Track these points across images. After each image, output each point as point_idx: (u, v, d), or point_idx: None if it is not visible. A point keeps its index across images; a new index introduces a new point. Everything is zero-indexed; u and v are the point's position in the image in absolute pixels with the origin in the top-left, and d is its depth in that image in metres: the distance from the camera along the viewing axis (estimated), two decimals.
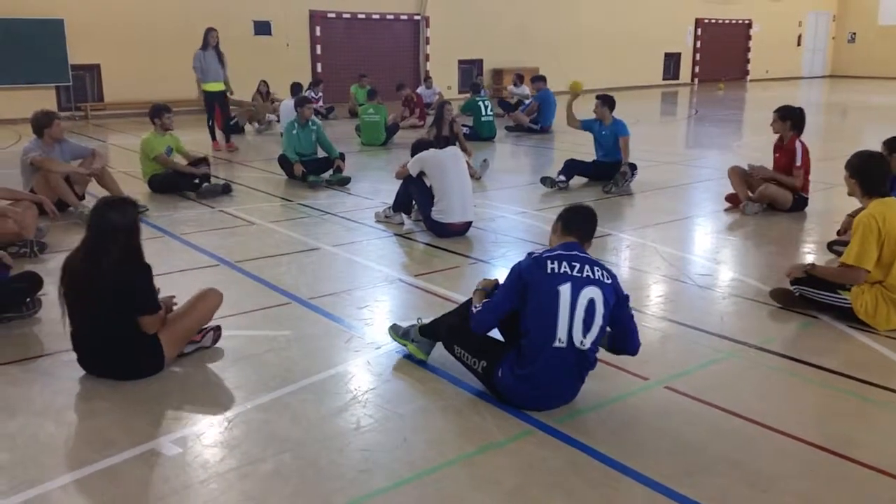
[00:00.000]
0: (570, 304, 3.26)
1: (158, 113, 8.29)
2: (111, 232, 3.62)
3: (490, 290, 3.66)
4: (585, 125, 8.98)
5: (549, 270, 3.30)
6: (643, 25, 25.52)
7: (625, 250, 6.22)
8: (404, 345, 3.98)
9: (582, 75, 23.25)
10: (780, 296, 4.77)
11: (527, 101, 14.96)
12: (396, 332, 4.05)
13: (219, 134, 12.05)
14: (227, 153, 11.50)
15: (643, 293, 5.12)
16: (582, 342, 3.29)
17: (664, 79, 27.54)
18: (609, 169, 8.57)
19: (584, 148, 8.99)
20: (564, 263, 3.32)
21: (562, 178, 8.60)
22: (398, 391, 3.63)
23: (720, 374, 3.86)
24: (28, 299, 4.54)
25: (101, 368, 3.75)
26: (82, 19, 16.38)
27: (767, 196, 7.21)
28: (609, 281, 3.36)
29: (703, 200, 8.18)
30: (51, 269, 5.48)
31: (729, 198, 7.57)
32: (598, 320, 3.30)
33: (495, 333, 3.68)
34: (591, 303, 3.28)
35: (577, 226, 3.54)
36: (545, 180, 8.65)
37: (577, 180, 8.85)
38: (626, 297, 3.47)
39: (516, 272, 3.42)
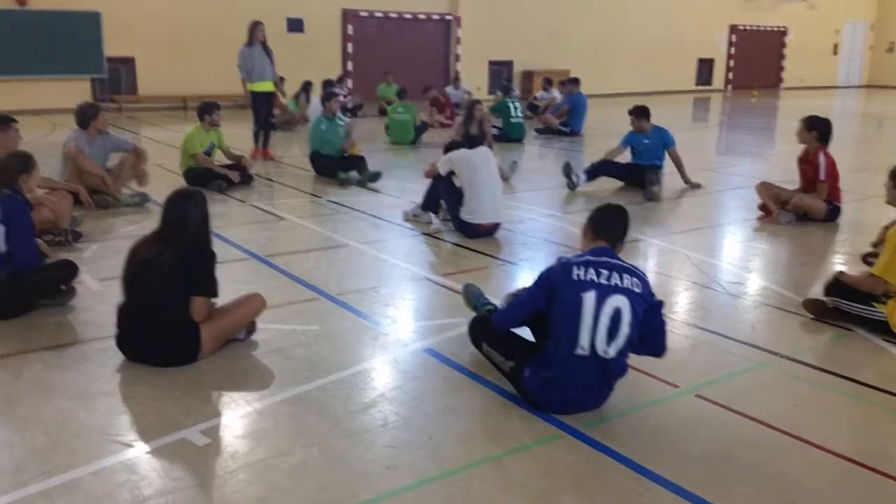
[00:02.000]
0: (594, 313, 3.21)
1: (209, 110, 8.36)
2: (185, 221, 3.78)
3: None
4: (625, 142, 8.86)
5: (574, 277, 3.26)
6: (677, 30, 25.32)
7: (655, 256, 6.17)
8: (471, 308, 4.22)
9: (614, 79, 23.31)
10: (812, 306, 4.70)
11: (557, 104, 14.90)
12: (471, 296, 4.28)
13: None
14: (265, 161, 10.43)
15: (673, 300, 5.07)
16: (605, 351, 3.25)
17: (697, 84, 27.29)
18: (645, 173, 8.48)
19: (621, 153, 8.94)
20: (591, 270, 3.26)
21: (581, 176, 8.54)
22: (425, 389, 3.63)
23: (751, 384, 3.81)
24: (63, 287, 4.61)
25: (139, 351, 3.81)
26: (119, 13, 16.62)
27: (801, 206, 7.11)
28: (639, 289, 3.30)
29: (735, 208, 8.08)
30: (85, 257, 5.57)
31: (761, 206, 7.48)
32: (624, 329, 3.25)
33: (526, 333, 3.67)
34: (617, 312, 3.23)
35: (607, 229, 3.49)
36: (565, 167, 8.60)
37: (612, 184, 8.79)
38: (660, 304, 3.42)
39: (545, 275, 3.41)
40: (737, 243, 6.72)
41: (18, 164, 4.56)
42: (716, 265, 5.91)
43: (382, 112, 16.04)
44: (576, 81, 14.27)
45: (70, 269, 4.66)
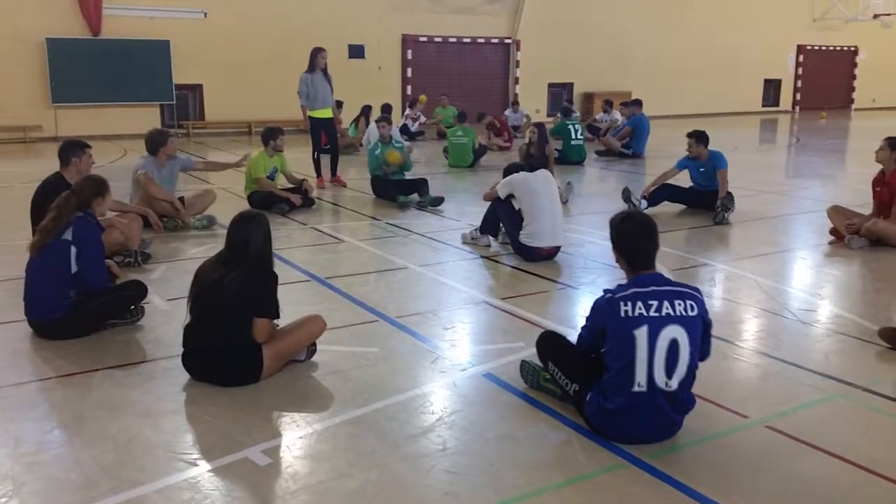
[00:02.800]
0: (649, 349, 3.10)
1: (273, 135, 8.58)
2: (248, 243, 3.86)
3: None
4: (680, 165, 8.66)
5: (622, 314, 3.12)
6: (742, 51, 24.91)
7: (722, 282, 6.01)
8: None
9: (677, 100, 23.01)
10: (889, 335, 4.49)
11: (619, 126, 14.76)
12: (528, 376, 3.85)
13: (323, 166, 10.50)
14: (332, 187, 10.33)
15: (741, 327, 4.92)
16: (667, 384, 3.15)
17: (763, 105, 26.73)
18: (708, 197, 8.29)
19: (680, 175, 8.77)
20: (640, 304, 3.11)
21: (642, 201, 8.41)
22: (484, 415, 3.59)
23: (824, 416, 3.65)
24: (132, 307, 4.74)
25: (203, 371, 3.89)
26: (187, 41, 17.25)
27: (875, 231, 6.84)
28: (694, 312, 3.16)
29: (805, 232, 7.83)
30: (153, 278, 5.73)
31: (833, 231, 7.22)
32: (685, 358, 3.14)
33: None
34: (674, 344, 3.11)
35: (640, 254, 3.27)
36: (625, 192, 8.49)
37: (673, 207, 8.63)
38: (710, 324, 3.31)
39: (594, 309, 3.33)
40: (808, 269, 6.49)
41: (93, 187, 4.73)
42: (786, 291, 5.71)
43: (441, 135, 16.18)
44: (638, 103, 14.13)
45: (139, 290, 4.79)
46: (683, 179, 8.82)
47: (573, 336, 3.71)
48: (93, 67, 16.43)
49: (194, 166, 8.00)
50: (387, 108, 14.24)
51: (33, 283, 4.49)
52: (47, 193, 5.39)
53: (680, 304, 3.14)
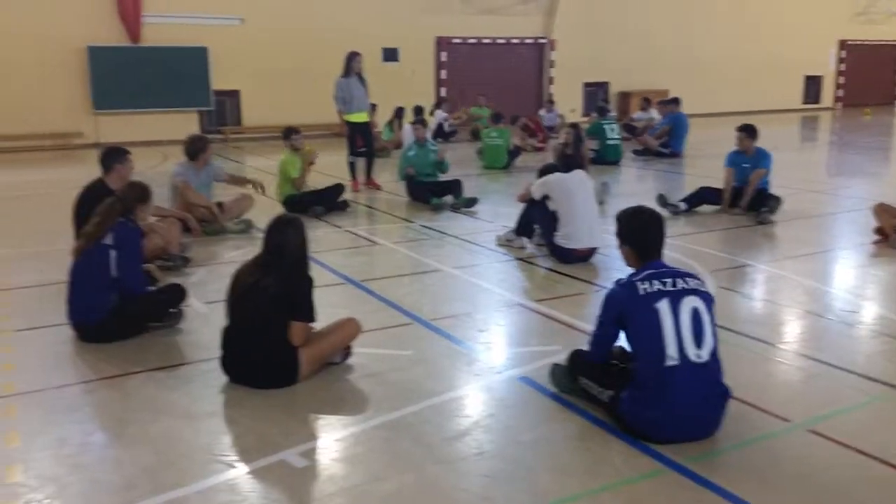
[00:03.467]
0: (673, 319, 3.18)
1: (287, 134, 8.75)
2: (284, 247, 3.91)
3: None
4: (729, 163, 8.50)
5: (641, 292, 3.25)
6: (782, 47, 24.42)
7: (763, 283, 5.90)
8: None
9: (715, 98, 22.67)
10: None
11: (656, 125, 14.58)
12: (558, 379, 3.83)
13: (358, 169, 10.49)
14: (366, 190, 10.31)
15: (783, 328, 4.83)
16: (698, 355, 3.17)
17: (804, 103, 26.20)
18: (753, 196, 8.17)
19: (721, 174, 8.64)
20: (655, 281, 3.27)
21: (681, 203, 8.29)
22: (520, 418, 3.57)
23: (869, 419, 3.56)
24: (172, 310, 4.81)
25: (241, 373, 3.93)
26: (224, 48, 17.49)
27: None
28: (704, 288, 3.32)
29: (849, 231, 7.64)
30: (192, 282, 5.81)
31: (878, 230, 7.04)
32: (708, 328, 3.21)
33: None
34: (695, 312, 3.20)
35: (651, 245, 3.44)
36: (660, 198, 8.39)
37: (712, 207, 8.49)
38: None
39: (608, 303, 3.40)
40: (851, 269, 6.34)
41: (137, 193, 4.81)
42: (829, 292, 5.58)
43: (475, 135, 16.16)
44: (676, 101, 13.94)
45: (179, 293, 4.86)
46: (722, 179, 8.68)
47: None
48: (133, 74, 16.74)
49: (222, 177, 8.07)
50: (418, 111, 14.27)
51: (76, 287, 4.59)
52: (90, 199, 5.49)
53: (691, 280, 3.31)
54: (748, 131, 8.38)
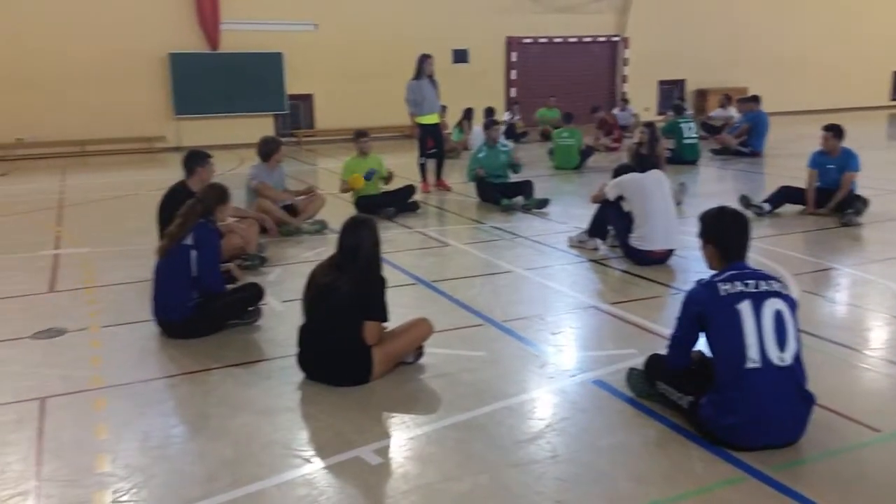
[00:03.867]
0: (755, 321, 3.10)
1: (356, 137, 8.82)
2: (358, 247, 3.95)
3: None
4: (813, 164, 8.19)
5: (723, 293, 3.17)
6: (867, 41, 23.37)
7: (849, 287, 5.65)
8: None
9: (796, 96, 21.87)
10: None
11: (736, 123, 14.16)
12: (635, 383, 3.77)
13: (428, 171, 10.56)
14: (437, 191, 10.35)
15: (871, 334, 4.62)
16: (781, 358, 3.07)
17: (892, 99, 25.01)
18: (831, 198, 7.86)
19: (803, 174, 8.32)
20: (738, 282, 3.20)
21: (765, 204, 8.02)
22: (595, 422, 3.51)
23: None
24: (251, 308, 4.94)
25: (317, 370, 4.01)
26: (299, 53, 17.87)
27: None
28: (787, 291, 3.25)
29: None
30: (270, 281, 5.95)
31: None
32: (791, 332, 3.11)
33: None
34: (778, 315, 3.12)
35: (735, 246, 3.36)
36: (743, 199, 8.13)
37: (795, 208, 8.20)
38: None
39: (688, 304, 3.33)
40: None
41: (216, 195, 4.96)
42: None
43: (545, 136, 16.03)
44: (756, 99, 13.51)
45: (257, 292, 4.99)
46: (804, 179, 8.36)
47: None
48: (211, 80, 17.28)
49: (284, 187, 8.20)
50: (489, 112, 14.24)
51: (160, 286, 4.76)
52: (173, 200, 5.70)
53: (774, 283, 3.23)
54: (834, 131, 8.04)
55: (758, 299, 3.14)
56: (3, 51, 15.80)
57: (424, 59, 10.10)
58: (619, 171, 6.54)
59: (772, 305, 3.13)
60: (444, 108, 11.56)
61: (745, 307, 3.12)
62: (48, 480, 3.09)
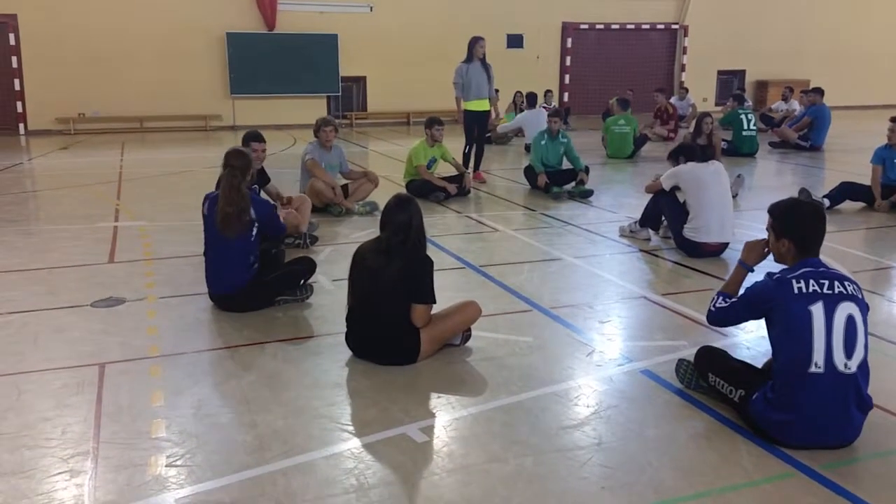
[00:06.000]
0: (826, 325, 2.99)
1: (429, 125, 8.77)
2: (404, 227, 3.96)
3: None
4: (877, 159, 7.94)
5: (796, 291, 3.05)
6: None
7: None
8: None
9: (860, 89, 21.19)
10: None
11: (797, 116, 13.78)
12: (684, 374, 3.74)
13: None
14: (487, 177, 10.24)
15: None
16: (846, 365, 2.98)
17: None
18: None
19: (864, 170, 8.07)
20: (812, 282, 3.07)
21: (825, 199, 7.81)
22: (642, 412, 3.49)
23: None
24: (302, 283, 5.02)
25: (364, 349, 4.06)
26: (353, 35, 17.97)
27: None
28: (860, 295, 3.09)
29: None
30: (320, 259, 6.03)
31: None
32: (861, 338, 3.00)
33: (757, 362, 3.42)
34: (851, 320, 3.00)
35: (813, 240, 3.22)
36: (803, 192, 7.93)
37: (855, 205, 7.99)
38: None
39: (758, 289, 3.21)
40: None
41: (244, 160, 4.88)
42: None
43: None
44: (819, 91, 13.12)
45: (309, 265, 5.09)
46: (866, 176, 8.12)
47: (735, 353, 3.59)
48: (267, 60, 17.50)
49: (347, 170, 8.24)
50: (547, 95, 14.01)
51: (217, 259, 4.86)
52: None
53: (849, 286, 3.10)
54: None
55: (832, 302, 3.02)
56: (68, 29, 16.26)
57: (475, 42, 9.79)
58: (677, 152, 6.43)
59: (845, 310, 3.01)
60: (496, 91, 11.43)
61: (817, 309, 3.00)
62: (106, 443, 3.20)
